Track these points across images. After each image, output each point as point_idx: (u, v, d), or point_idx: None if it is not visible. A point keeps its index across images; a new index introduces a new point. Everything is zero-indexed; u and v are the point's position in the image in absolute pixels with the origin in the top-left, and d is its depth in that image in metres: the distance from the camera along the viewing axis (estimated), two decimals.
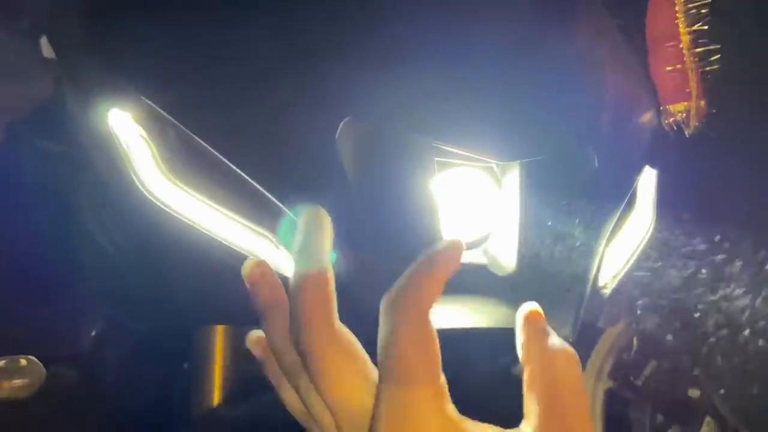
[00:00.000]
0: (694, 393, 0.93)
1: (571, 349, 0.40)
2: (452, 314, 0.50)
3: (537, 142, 0.51)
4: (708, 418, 0.93)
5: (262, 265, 0.46)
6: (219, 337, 0.71)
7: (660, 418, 0.94)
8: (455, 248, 0.40)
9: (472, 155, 0.50)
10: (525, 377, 0.41)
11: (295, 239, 0.43)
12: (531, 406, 0.39)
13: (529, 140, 0.51)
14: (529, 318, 0.42)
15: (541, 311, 0.43)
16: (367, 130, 0.48)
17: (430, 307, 0.39)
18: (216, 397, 0.71)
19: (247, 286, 0.46)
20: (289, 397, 0.48)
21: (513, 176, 0.52)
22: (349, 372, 0.41)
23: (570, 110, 0.52)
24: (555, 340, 0.41)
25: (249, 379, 0.71)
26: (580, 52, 0.55)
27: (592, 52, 0.56)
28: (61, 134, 0.58)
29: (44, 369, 0.67)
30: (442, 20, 0.50)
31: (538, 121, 0.51)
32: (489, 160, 0.51)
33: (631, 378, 0.94)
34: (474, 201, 0.53)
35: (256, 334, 0.50)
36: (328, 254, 0.42)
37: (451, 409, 0.40)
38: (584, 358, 0.95)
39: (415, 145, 0.48)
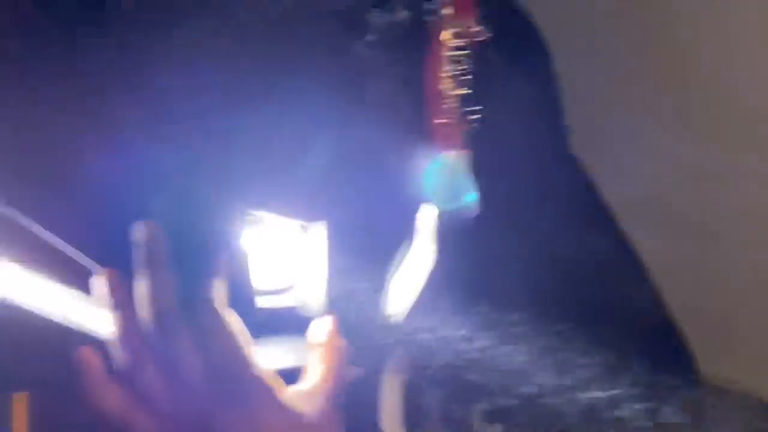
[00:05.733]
0: None
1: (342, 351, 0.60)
2: (268, 355, 0.59)
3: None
4: None
5: (86, 353, 0.55)
6: (22, 404, 0.69)
7: None
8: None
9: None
10: (316, 354, 0.60)
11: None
12: (312, 371, 0.59)
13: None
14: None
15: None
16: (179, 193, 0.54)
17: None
18: None
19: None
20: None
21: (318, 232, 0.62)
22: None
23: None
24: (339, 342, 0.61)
25: None
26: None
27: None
28: None
29: None
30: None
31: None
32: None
33: None
34: (282, 253, 0.61)
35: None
36: None
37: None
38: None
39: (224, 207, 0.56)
